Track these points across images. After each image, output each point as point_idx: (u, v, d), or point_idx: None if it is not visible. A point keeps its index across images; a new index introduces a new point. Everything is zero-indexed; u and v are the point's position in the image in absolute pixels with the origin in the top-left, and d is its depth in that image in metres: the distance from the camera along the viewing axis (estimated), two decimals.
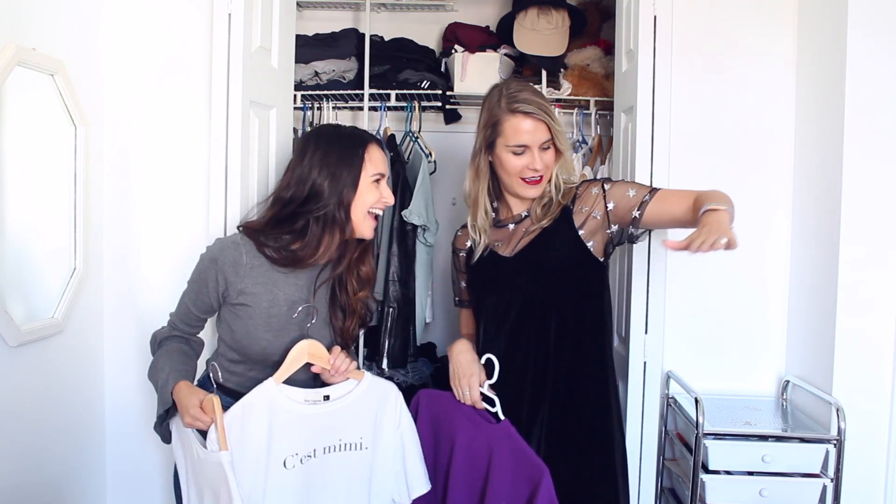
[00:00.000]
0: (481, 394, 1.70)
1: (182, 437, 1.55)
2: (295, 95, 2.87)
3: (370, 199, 1.58)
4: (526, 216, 1.80)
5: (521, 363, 1.74)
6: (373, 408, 1.63)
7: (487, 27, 3.20)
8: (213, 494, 1.45)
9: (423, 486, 1.69)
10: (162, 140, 2.28)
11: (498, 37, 3.13)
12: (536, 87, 2.37)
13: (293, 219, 1.55)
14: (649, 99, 2.18)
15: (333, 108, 3.12)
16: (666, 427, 2.24)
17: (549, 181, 1.78)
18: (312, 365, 1.59)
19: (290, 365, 1.55)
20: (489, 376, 1.69)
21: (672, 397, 2.22)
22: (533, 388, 1.73)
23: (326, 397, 1.58)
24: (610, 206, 1.72)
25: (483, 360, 1.72)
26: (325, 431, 1.57)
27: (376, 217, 1.63)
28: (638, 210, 1.68)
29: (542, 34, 2.96)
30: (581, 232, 1.73)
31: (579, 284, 1.76)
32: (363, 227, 1.59)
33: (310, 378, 1.63)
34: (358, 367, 1.66)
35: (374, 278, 1.74)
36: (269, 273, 1.57)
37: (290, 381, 1.57)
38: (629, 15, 2.32)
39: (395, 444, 1.65)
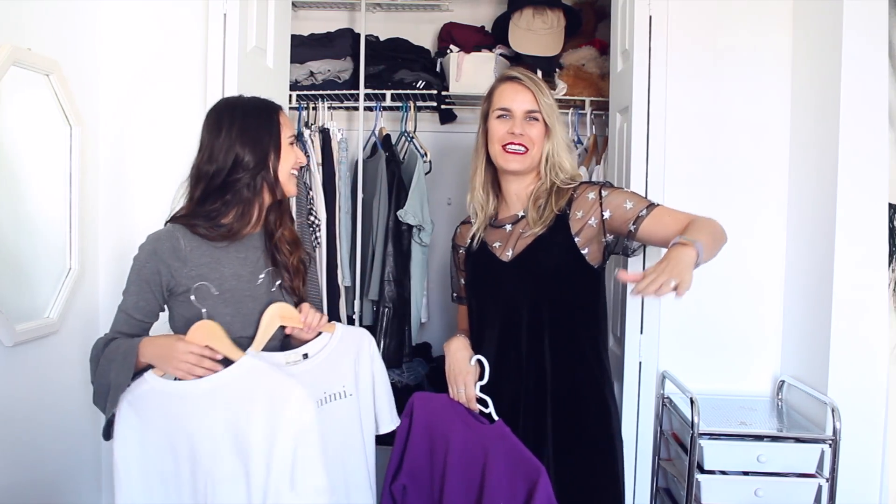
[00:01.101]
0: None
1: (151, 400, 1.47)
2: (290, 95, 2.87)
3: (290, 160, 1.65)
4: (522, 216, 1.79)
5: (515, 367, 1.73)
6: (350, 356, 1.69)
7: (482, 27, 3.20)
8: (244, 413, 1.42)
9: (390, 422, 1.74)
10: (157, 140, 2.27)
11: (493, 37, 3.13)
12: None
13: (222, 191, 1.58)
14: (644, 99, 2.18)
15: (329, 107, 3.11)
16: (661, 427, 2.24)
17: (540, 167, 1.77)
18: (285, 328, 1.63)
19: (265, 331, 1.57)
20: (481, 377, 1.70)
21: (667, 397, 2.22)
22: (531, 392, 1.73)
23: (305, 355, 1.64)
24: (606, 214, 1.70)
25: (473, 362, 1.72)
26: (310, 388, 1.58)
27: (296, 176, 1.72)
28: (634, 224, 1.66)
29: (537, 34, 2.97)
30: (577, 239, 1.71)
31: (574, 290, 1.75)
32: (290, 185, 1.66)
33: (277, 347, 1.66)
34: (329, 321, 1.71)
35: (299, 238, 1.79)
36: (211, 252, 1.59)
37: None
38: (624, 15, 2.32)
39: (369, 386, 1.71)
